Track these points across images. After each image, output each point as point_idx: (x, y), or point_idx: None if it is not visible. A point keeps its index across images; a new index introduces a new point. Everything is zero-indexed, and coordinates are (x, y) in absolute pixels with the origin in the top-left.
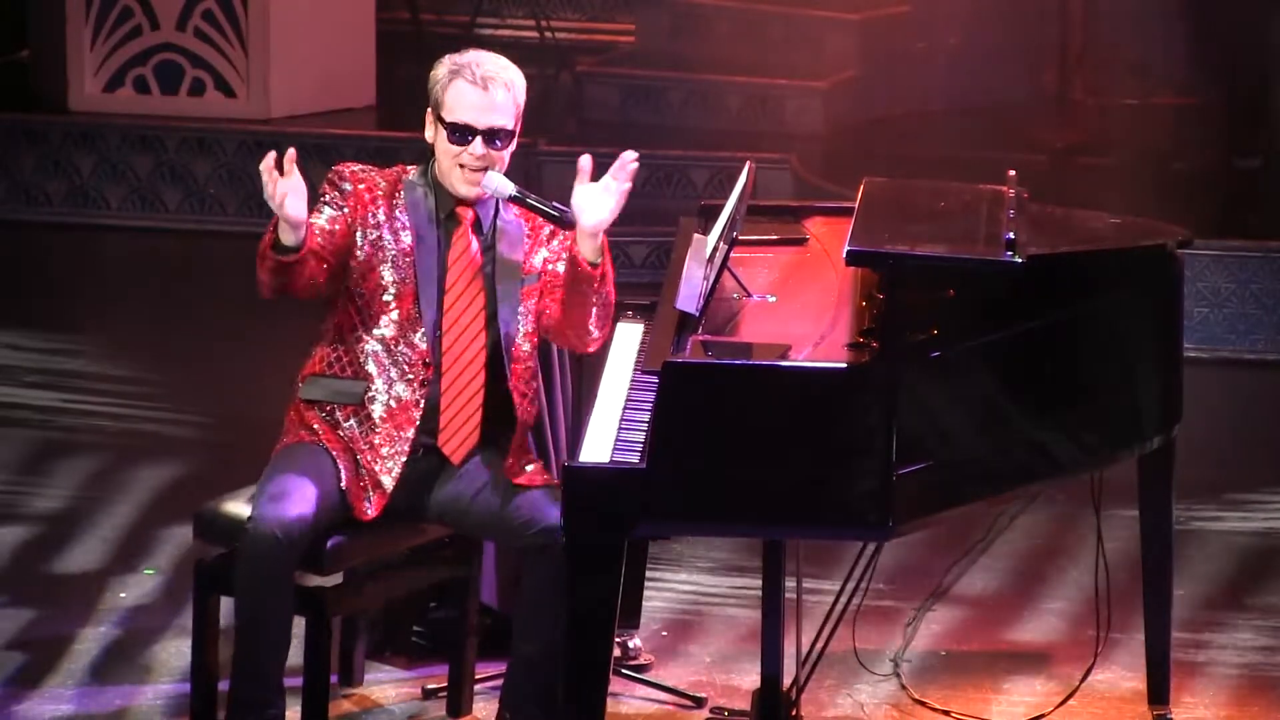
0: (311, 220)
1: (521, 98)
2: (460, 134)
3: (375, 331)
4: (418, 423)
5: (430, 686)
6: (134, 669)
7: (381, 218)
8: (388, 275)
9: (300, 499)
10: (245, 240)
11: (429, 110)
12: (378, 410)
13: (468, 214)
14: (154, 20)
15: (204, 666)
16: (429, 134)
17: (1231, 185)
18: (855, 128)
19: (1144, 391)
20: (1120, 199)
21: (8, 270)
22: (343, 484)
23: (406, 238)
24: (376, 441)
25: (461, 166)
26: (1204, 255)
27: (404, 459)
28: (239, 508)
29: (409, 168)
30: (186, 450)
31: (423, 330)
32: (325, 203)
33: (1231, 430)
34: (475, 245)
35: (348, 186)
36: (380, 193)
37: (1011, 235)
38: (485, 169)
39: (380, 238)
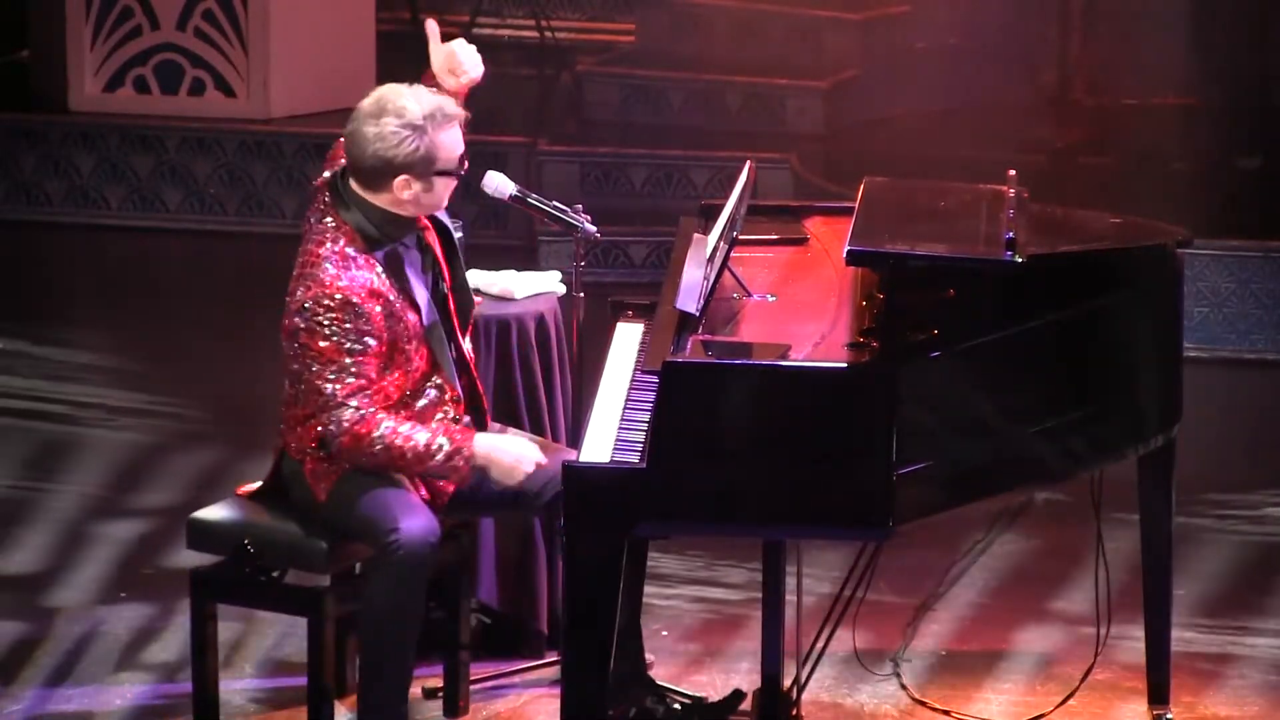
0: (358, 364)
1: None
2: (459, 167)
3: (419, 394)
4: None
5: (430, 686)
6: (134, 669)
7: (388, 306)
8: (411, 347)
9: (425, 506)
10: (245, 240)
11: (405, 177)
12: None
13: (428, 231)
14: (154, 20)
15: (203, 673)
16: (406, 194)
17: (1231, 185)
18: (855, 128)
19: (1144, 391)
20: (1120, 199)
21: (8, 270)
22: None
23: (409, 309)
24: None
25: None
26: (1204, 255)
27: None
28: (231, 515)
29: (342, 225)
30: (186, 449)
31: (448, 368)
32: (356, 340)
33: (1231, 430)
34: (442, 257)
35: (361, 309)
36: (375, 284)
37: (1012, 235)
38: None
39: (396, 325)
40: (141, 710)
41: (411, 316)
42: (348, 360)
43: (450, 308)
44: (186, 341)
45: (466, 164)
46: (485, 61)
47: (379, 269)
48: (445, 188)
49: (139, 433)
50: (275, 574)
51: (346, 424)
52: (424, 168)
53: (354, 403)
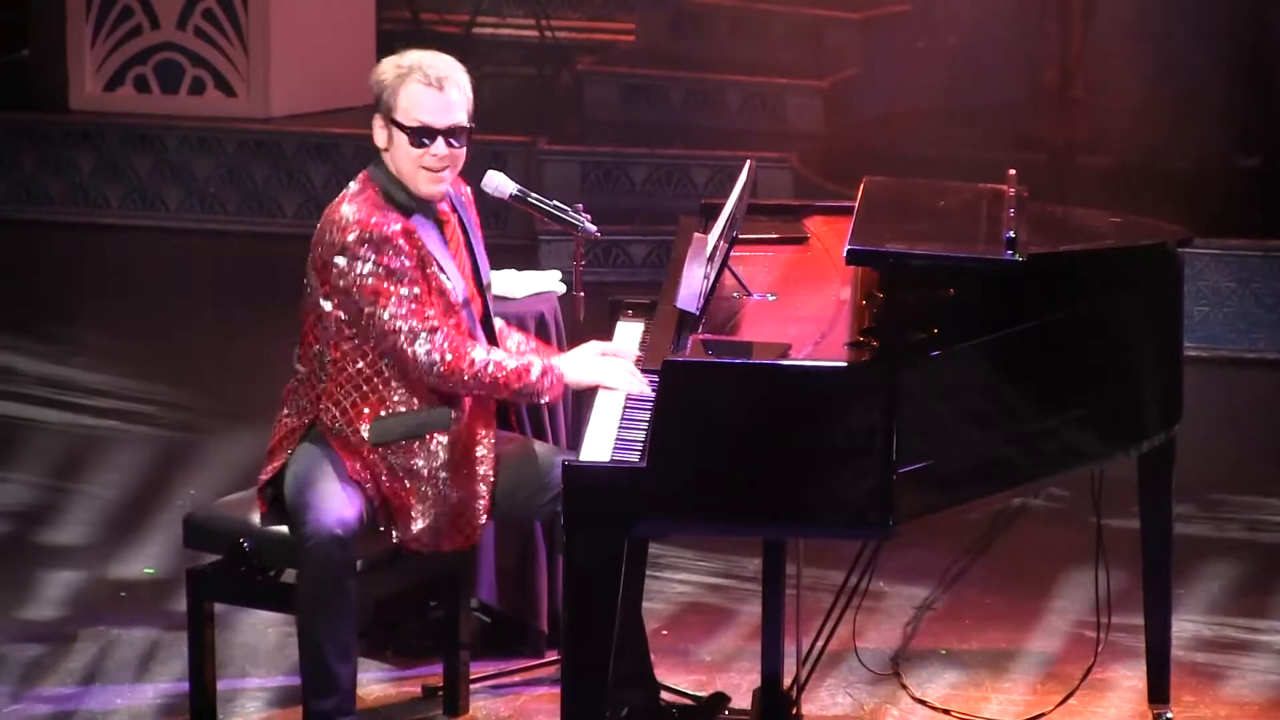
0: (416, 291)
1: (470, 92)
2: (421, 136)
3: None
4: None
5: (430, 686)
6: (134, 669)
7: (421, 253)
8: (448, 310)
9: (349, 497)
10: (245, 239)
11: (378, 115)
12: (455, 431)
13: (445, 207)
14: (154, 19)
15: (202, 672)
16: (380, 139)
17: (1231, 185)
18: (855, 127)
19: (1144, 390)
20: (1120, 198)
21: (8, 269)
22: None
23: (440, 270)
24: (462, 472)
25: (424, 169)
26: (1204, 254)
27: (493, 474)
28: (228, 514)
29: (373, 181)
30: (187, 448)
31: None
32: (405, 273)
33: (1231, 430)
34: (463, 248)
35: (400, 244)
36: (409, 236)
37: (1012, 234)
38: (446, 169)
39: (429, 272)
40: (141, 710)
41: (443, 278)
42: (403, 291)
43: (478, 299)
44: (186, 340)
45: (437, 141)
46: (485, 61)
47: (404, 220)
48: (403, 149)
49: (138, 431)
50: (272, 572)
51: (438, 350)
52: (385, 109)
53: (430, 327)
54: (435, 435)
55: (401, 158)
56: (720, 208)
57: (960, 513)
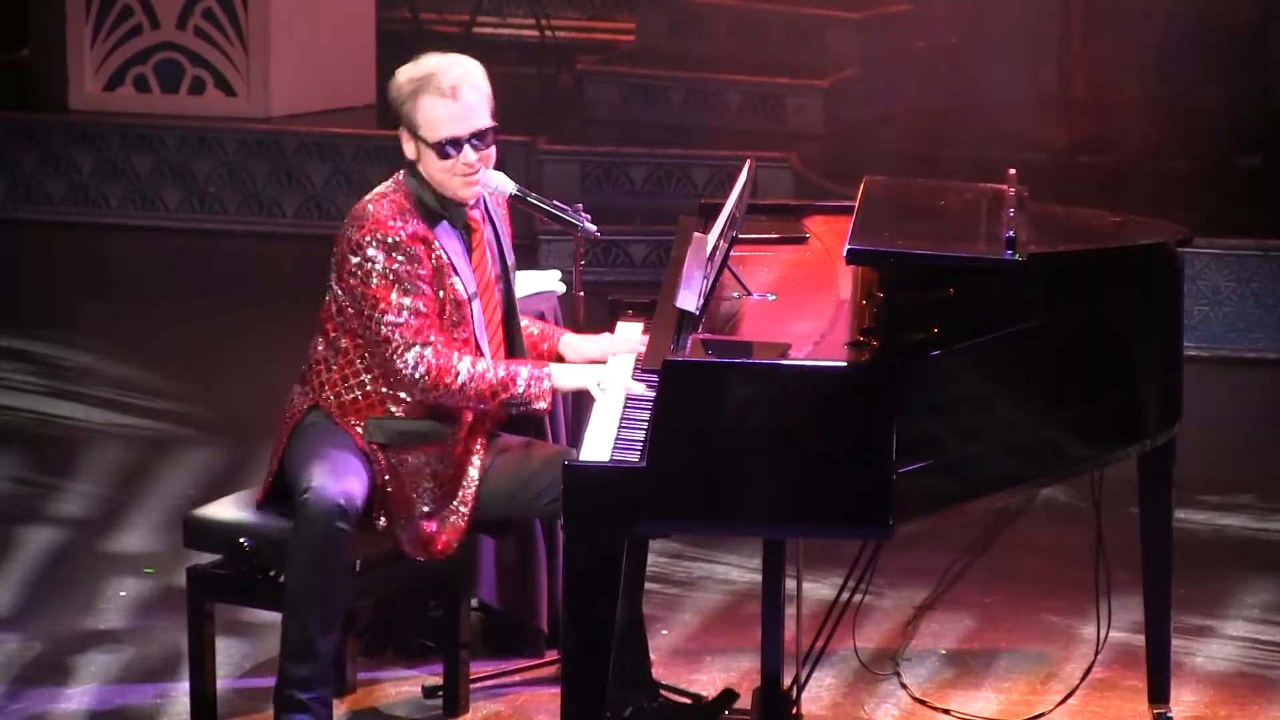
0: (419, 304)
1: (487, 88)
2: (447, 148)
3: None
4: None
5: (430, 686)
6: (134, 669)
7: (437, 260)
8: (459, 314)
9: (358, 474)
10: (245, 239)
11: (402, 129)
12: (448, 446)
13: (477, 216)
14: (154, 19)
15: (201, 672)
16: (409, 151)
17: (1231, 185)
18: (855, 127)
19: (1144, 390)
20: (1120, 198)
21: (8, 269)
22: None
23: (456, 282)
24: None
25: (456, 176)
26: (1204, 254)
27: (478, 480)
28: (228, 514)
29: (405, 184)
30: (187, 448)
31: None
32: (411, 282)
33: (1231, 430)
34: (490, 255)
35: (413, 251)
36: (426, 244)
37: (1012, 234)
38: (478, 170)
39: (445, 281)
40: (140, 710)
41: (457, 282)
42: (405, 301)
43: (495, 297)
44: (186, 340)
45: (464, 149)
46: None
47: (425, 227)
48: (432, 163)
49: (138, 431)
50: (272, 572)
51: (425, 364)
52: (408, 124)
53: (423, 341)
54: (428, 447)
55: (432, 170)
56: (720, 208)
57: (960, 513)
